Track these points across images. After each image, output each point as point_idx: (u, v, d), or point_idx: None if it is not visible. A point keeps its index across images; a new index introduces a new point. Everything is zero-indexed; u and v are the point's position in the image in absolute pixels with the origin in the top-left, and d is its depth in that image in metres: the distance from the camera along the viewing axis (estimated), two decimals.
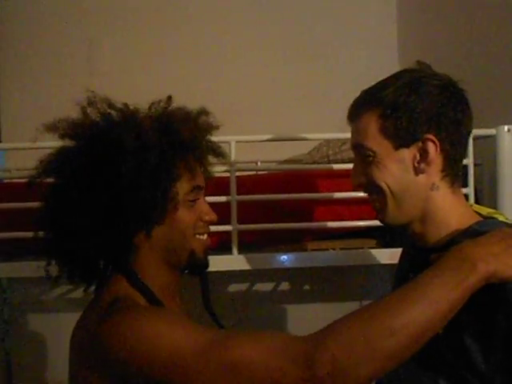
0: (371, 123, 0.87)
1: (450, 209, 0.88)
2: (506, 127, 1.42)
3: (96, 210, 0.85)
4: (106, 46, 2.47)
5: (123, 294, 0.86)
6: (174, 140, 0.88)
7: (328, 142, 1.90)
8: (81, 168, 0.86)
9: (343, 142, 1.82)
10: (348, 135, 1.68)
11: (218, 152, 1.00)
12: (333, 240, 1.58)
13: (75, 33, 2.45)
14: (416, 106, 0.84)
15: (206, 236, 0.95)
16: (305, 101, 2.43)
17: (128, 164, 0.83)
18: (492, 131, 1.43)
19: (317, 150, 1.97)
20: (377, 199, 0.90)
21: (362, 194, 1.45)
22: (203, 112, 0.96)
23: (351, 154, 1.82)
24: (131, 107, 0.93)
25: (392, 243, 1.49)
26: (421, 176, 0.86)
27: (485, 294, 0.76)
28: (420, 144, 0.85)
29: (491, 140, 1.44)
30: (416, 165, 0.86)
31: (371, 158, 0.87)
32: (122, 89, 2.31)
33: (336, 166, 1.57)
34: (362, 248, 1.55)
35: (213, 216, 0.94)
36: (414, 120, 0.84)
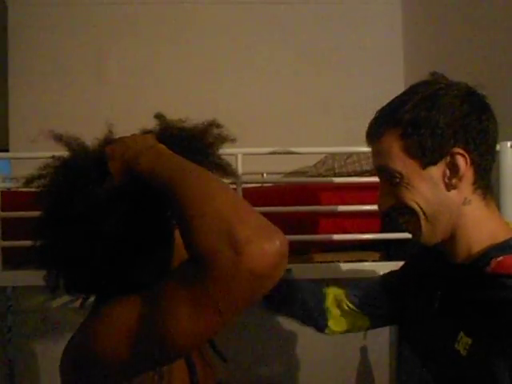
0: (393, 144, 0.83)
1: (483, 223, 0.84)
2: (508, 143, 1.42)
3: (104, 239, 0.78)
4: (113, 56, 2.50)
5: None
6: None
7: (334, 154, 1.91)
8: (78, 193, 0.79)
9: (349, 155, 1.84)
10: (353, 149, 1.70)
11: (229, 172, 0.93)
12: (337, 252, 1.58)
13: (84, 43, 2.49)
14: (438, 121, 0.80)
15: None
16: (310, 114, 2.45)
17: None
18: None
19: (322, 162, 1.98)
20: (409, 221, 0.86)
21: (366, 207, 1.48)
22: (213, 125, 0.91)
23: (356, 168, 1.85)
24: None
25: (396, 256, 1.49)
26: (453, 192, 0.82)
27: (509, 313, 0.74)
28: (448, 159, 0.81)
29: None
30: (447, 181, 0.82)
31: (398, 180, 0.84)
32: (130, 98, 2.36)
33: (341, 180, 1.58)
34: (365, 261, 1.55)
35: None
36: (439, 135, 0.80)
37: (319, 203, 1.55)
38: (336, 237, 1.51)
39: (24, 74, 2.45)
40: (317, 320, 1.15)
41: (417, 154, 0.82)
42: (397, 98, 0.87)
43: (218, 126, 0.91)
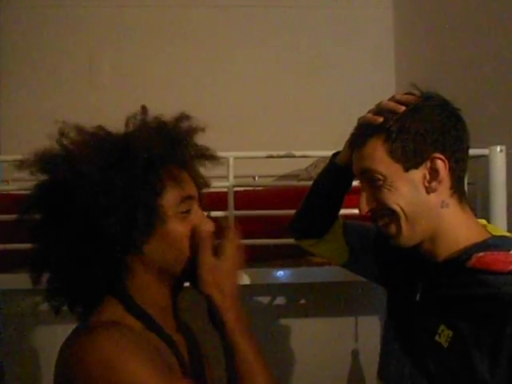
0: (378, 148, 0.88)
1: (460, 225, 0.89)
2: (498, 147, 1.44)
3: (78, 241, 0.81)
4: (106, 59, 2.50)
5: (113, 317, 0.83)
6: (143, 154, 0.82)
7: (325, 158, 1.91)
8: (55, 202, 0.83)
9: None
10: None
11: (209, 155, 0.94)
12: None
13: (76, 47, 2.48)
14: (420, 128, 0.86)
15: None
16: (302, 117, 2.46)
17: (96, 189, 0.80)
18: (485, 151, 1.45)
19: (314, 165, 1.99)
20: (389, 223, 0.90)
21: (357, 211, 1.48)
22: (182, 117, 0.91)
23: None
24: (103, 130, 0.88)
25: None
26: (432, 195, 0.87)
27: (493, 309, 0.77)
28: (429, 163, 0.87)
29: (484, 160, 1.46)
30: (427, 184, 0.87)
31: (381, 182, 0.88)
32: (122, 101, 2.35)
33: None
34: None
35: (209, 225, 0.90)
36: (420, 141, 0.86)
37: None
38: None
39: (15, 77, 2.44)
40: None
41: (400, 157, 0.87)
42: None
43: (188, 117, 0.92)
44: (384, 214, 0.90)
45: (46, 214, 0.85)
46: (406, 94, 0.92)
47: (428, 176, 0.87)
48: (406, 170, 0.87)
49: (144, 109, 0.91)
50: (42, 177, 0.87)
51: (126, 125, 0.91)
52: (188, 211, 0.87)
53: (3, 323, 2.15)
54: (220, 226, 0.93)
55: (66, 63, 2.46)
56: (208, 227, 0.89)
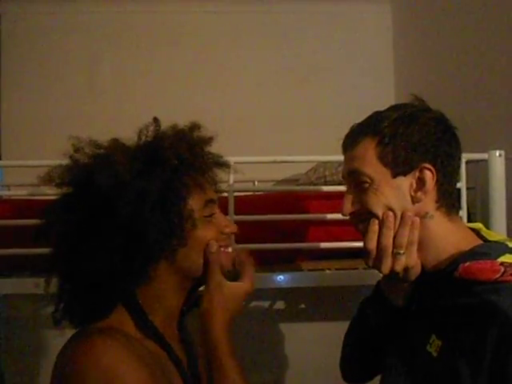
0: (369, 150, 0.88)
1: (446, 235, 0.88)
2: (497, 152, 1.44)
3: (112, 252, 0.81)
4: (106, 64, 2.51)
5: (116, 324, 0.84)
6: (174, 161, 0.86)
7: (325, 163, 1.92)
8: (87, 213, 0.83)
9: (340, 163, 1.85)
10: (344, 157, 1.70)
11: (222, 162, 0.98)
12: (328, 260, 1.59)
13: (76, 51, 2.49)
14: (413, 136, 0.86)
15: (230, 249, 0.94)
16: (302, 122, 2.47)
17: (132, 198, 0.81)
18: (484, 156, 1.46)
19: (314, 170, 2.00)
20: (367, 227, 0.89)
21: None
22: (195, 126, 0.95)
23: None
24: (118, 141, 0.90)
25: None
26: (417, 205, 0.87)
27: (475, 318, 0.77)
28: (417, 173, 0.86)
29: (483, 164, 1.47)
30: (413, 193, 0.87)
31: (367, 185, 0.88)
32: (122, 106, 2.37)
33: (332, 188, 1.59)
34: (356, 268, 1.56)
35: (233, 227, 0.93)
36: (412, 149, 0.86)
37: (310, 211, 1.56)
38: (326, 245, 1.52)
39: (16, 82, 2.45)
40: None
41: (390, 162, 0.87)
42: (378, 112, 0.93)
43: (200, 127, 0.95)
44: (366, 218, 0.90)
45: (77, 224, 0.84)
46: (404, 103, 0.92)
47: (415, 185, 0.87)
48: (394, 176, 0.87)
49: (156, 120, 0.93)
50: (67, 188, 0.88)
51: (139, 136, 0.92)
52: (212, 215, 0.91)
53: (3, 327, 2.15)
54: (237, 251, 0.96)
55: (67, 69, 2.47)
56: (232, 229, 0.93)
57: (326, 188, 1.63)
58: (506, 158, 1.45)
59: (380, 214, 0.87)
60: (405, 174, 0.87)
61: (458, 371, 0.77)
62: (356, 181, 0.90)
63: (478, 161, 1.51)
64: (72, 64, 2.48)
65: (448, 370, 0.79)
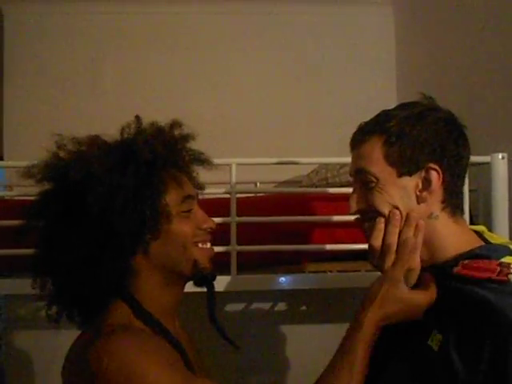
0: (376, 149, 0.88)
1: (450, 236, 0.89)
2: (500, 155, 1.44)
3: (88, 243, 0.84)
4: (108, 66, 2.51)
5: (123, 321, 0.85)
6: (148, 157, 0.87)
7: (327, 164, 1.92)
8: (63, 208, 0.86)
9: (342, 165, 1.85)
10: (346, 159, 1.71)
11: (203, 159, 0.99)
12: (330, 262, 1.59)
13: (79, 52, 2.50)
14: (420, 136, 0.86)
15: (209, 245, 0.95)
16: (304, 123, 2.47)
17: (104, 191, 0.83)
18: (487, 158, 1.45)
19: (316, 172, 2.00)
20: (372, 227, 0.90)
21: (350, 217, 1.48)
22: (176, 124, 0.96)
23: (349, 178, 1.85)
24: (98, 138, 0.92)
25: None
26: (422, 205, 0.87)
27: (475, 319, 0.78)
28: (423, 173, 0.87)
29: (486, 167, 1.47)
30: (418, 193, 0.87)
31: (373, 184, 0.88)
32: (124, 107, 2.36)
33: (334, 190, 1.59)
34: (358, 271, 1.56)
35: (211, 223, 0.94)
36: (419, 149, 0.86)
37: (312, 213, 1.56)
38: (329, 247, 1.52)
39: (19, 83, 2.46)
40: None
41: (396, 162, 0.87)
42: (386, 111, 0.93)
43: (180, 124, 0.96)
44: (372, 216, 0.90)
45: (54, 219, 0.87)
46: (413, 102, 0.92)
47: (420, 185, 0.87)
48: (400, 175, 0.87)
49: (138, 118, 0.95)
50: (47, 184, 0.90)
51: (122, 133, 0.94)
52: (189, 211, 0.92)
53: (4, 328, 2.15)
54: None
55: (69, 69, 2.47)
56: (210, 224, 0.94)
57: (327, 190, 1.63)
58: (509, 161, 1.45)
59: (386, 212, 0.88)
60: (410, 173, 0.87)
61: (454, 366, 0.78)
62: (362, 179, 0.91)
63: (480, 163, 1.50)
64: (74, 65, 2.48)
65: (446, 364, 0.80)
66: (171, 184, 0.90)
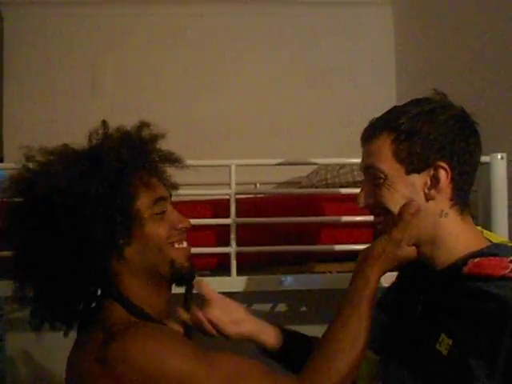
0: (385, 146, 0.88)
1: (459, 235, 0.89)
2: (499, 155, 1.44)
3: (64, 253, 0.84)
4: (108, 67, 2.52)
5: (120, 320, 0.86)
6: (115, 164, 0.87)
7: (326, 165, 1.92)
8: (35, 220, 0.86)
9: (341, 166, 1.85)
10: (346, 160, 1.71)
11: (174, 159, 0.98)
12: (330, 263, 1.59)
13: (79, 55, 2.50)
14: (430, 133, 0.86)
15: (185, 244, 0.95)
16: (303, 124, 2.47)
17: (70, 203, 0.83)
18: (486, 159, 1.45)
19: (315, 173, 2.00)
20: (384, 221, 0.91)
21: (359, 218, 1.49)
22: (143, 125, 0.96)
23: (349, 178, 1.86)
24: (66, 147, 0.92)
25: None
26: (430, 202, 0.87)
27: (487, 314, 0.78)
28: (432, 171, 0.87)
29: (485, 167, 1.47)
30: (426, 191, 0.87)
31: (382, 181, 0.89)
32: (124, 108, 2.37)
33: (334, 191, 1.59)
34: None
35: (186, 222, 0.94)
36: (428, 146, 0.86)
37: (312, 213, 1.56)
38: (329, 247, 1.52)
39: (19, 85, 2.46)
40: None
41: (404, 159, 0.87)
42: (397, 107, 0.92)
43: (148, 125, 0.96)
44: (380, 212, 0.91)
45: (28, 231, 0.87)
46: (425, 98, 0.92)
47: (429, 183, 0.87)
48: (408, 172, 0.87)
49: (105, 123, 0.95)
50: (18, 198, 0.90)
51: (89, 140, 0.94)
52: (163, 212, 0.92)
53: (5, 330, 2.15)
54: None
55: (69, 72, 2.48)
56: (185, 224, 0.94)
57: (327, 191, 1.63)
58: (508, 161, 1.45)
59: (393, 209, 0.88)
60: (419, 171, 0.87)
61: (470, 371, 0.77)
62: (371, 175, 0.91)
63: (480, 163, 1.50)
64: (74, 67, 2.49)
65: (459, 369, 0.79)
66: (141, 188, 0.89)
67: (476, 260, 0.84)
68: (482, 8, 1.78)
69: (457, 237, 0.89)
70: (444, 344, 0.83)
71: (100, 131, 0.94)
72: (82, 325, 0.92)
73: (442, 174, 0.86)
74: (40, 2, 2.48)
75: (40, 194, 0.85)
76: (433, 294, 0.90)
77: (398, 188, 0.88)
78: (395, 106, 0.93)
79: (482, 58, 1.78)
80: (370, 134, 0.92)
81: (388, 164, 0.88)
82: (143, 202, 0.89)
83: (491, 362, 0.76)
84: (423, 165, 0.87)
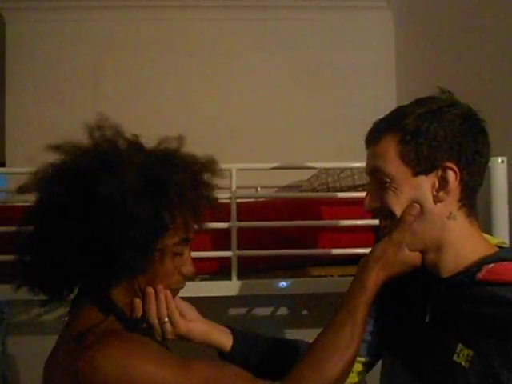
0: (391, 148, 0.85)
1: (467, 238, 0.86)
2: (499, 158, 1.44)
3: (82, 244, 0.81)
4: (109, 72, 2.52)
5: (92, 322, 0.83)
6: (174, 194, 0.84)
7: (327, 169, 1.93)
8: (75, 195, 0.81)
9: (342, 169, 1.85)
10: (346, 164, 1.71)
11: (211, 200, 0.93)
12: (331, 266, 1.59)
13: (81, 59, 2.51)
14: (437, 134, 0.83)
15: (175, 298, 0.93)
16: (304, 129, 2.48)
17: (119, 211, 0.79)
18: None
19: (316, 176, 2.00)
20: (390, 225, 0.88)
21: (359, 222, 1.49)
22: (208, 167, 0.92)
23: (350, 182, 1.86)
24: (138, 142, 0.89)
25: None
26: (438, 205, 0.84)
27: (503, 324, 0.75)
28: (440, 172, 0.84)
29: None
30: (435, 193, 0.84)
31: (388, 184, 0.86)
32: (126, 113, 2.37)
33: (335, 194, 1.60)
34: None
35: (191, 270, 0.91)
36: (435, 147, 0.83)
37: (313, 217, 1.56)
38: (329, 251, 1.52)
39: (21, 89, 2.47)
40: None
41: (411, 161, 0.84)
42: (402, 107, 0.90)
43: (215, 164, 0.93)
44: (386, 215, 0.88)
45: (55, 198, 0.83)
46: (430, 97, 0.89)
47: (437, 185, 0.84)
48: (415, 174, 0.84)
49: (181, 139, 0.91)
50: (58, 186, 0.85)
51: (159, 144, 0.91)
52: (181, 254, 0.90)
53: (6, 333, 2.15)
54: None
55: (71, 75, 2.48)
56: (191, 271, 0.91)
57: (328, 195, 1.64)
58: (509, 165, 1.45)
59: (398, 212, 0.86)
60: (427, 173, 0.84)
61: (498, 379, 0.75)
62: (377, 178, 0.88)
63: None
64: (76, 71, 2.49)
65: (485, 380, 0.76)
66: (179, 224, 0.86)
67: (491, 266, 0.80)
68: (483, 11, 1.79)
69: (464, 240, 0.86)
70: (463, 355, 0.80)
71: (173, 143, 0.90)
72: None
73: (451, 175, 0.83)
74: (42, 7, 2.49)
75: (102, 193, 0.79)
76: (442, 302, 0.87)
77: (404, 190, 0.85)
78: (400, 106, 0.90)
79: (482, 62, 1.78)
80: (375, 135, 0.89)
81: (394, 166, 0.85)
82: (172, 238, 0.87)
83: None
84: (430, 166, 0.83)
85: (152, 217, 0.81)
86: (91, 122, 0.88)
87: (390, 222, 0.88)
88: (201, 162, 0.92)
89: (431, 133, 0.83)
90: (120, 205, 0.80)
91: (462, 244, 0.86)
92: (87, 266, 0.82)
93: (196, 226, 0.91)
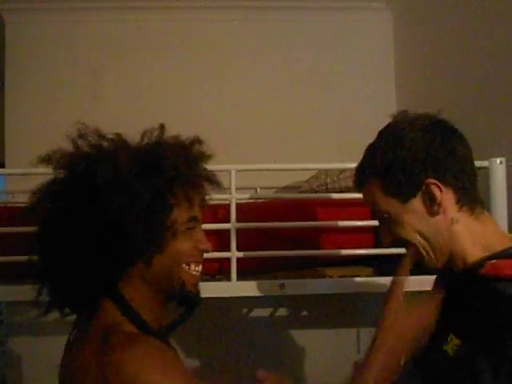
0: (374, 188, 0.91)
1: (475, 237, 0.89)
2: (498, 159, 1.44)
3: (92, 242, 0.84)
4: (109, 74, 2.52)
5: (112, 322, 0.86)
6: (171, 174, 0.88)
7: (326, 170, 1.93)
8: (75, 201, 0.86)
9: (341, 170, 1.85)
10: (345, 165, 1.72)
11: (213, 180, 1.00)
12: (330, 267, 1.59)
13: (80, 61, 2.51)
14: (406, 158, 0.87)
15: (200, 267, 0.95)
16: (303, 129, 2.48)
17: (125, 198, 0.84)
18: (485, 163, 1.46)
19: (315, 177, 2.00)
20: (414, 251, 0.91)
21: (359, 223, 1.50)
22: (197, 141, 0.97)
23: (349, 183, 1.87)
24: (122, 138, 0.93)
25: (388, 271, 1.50)
26: (438, 217, 0.88)
27: (503, 317, 0.77)
28: (424, 189, 0.87)
29: (484, 172, 1.47)
30: (429, 209, 0.88)
31: (388, 219, 0.91)
32: (125, 115, 2.38)
33: (334, 195, 1.60)
34: (358, 276, 1.56)
35: (208, 245, 0.95)
36: (410, 170, 0.87)
37: (312, 218, 1.56)
38: (329, 252, 1.52)
39: (20, 91, 2.47)
40: None
41: (396, 192, 0.89)
42: (371, 145, 0.94)
43: (201, 142, 0.97)
44: (404, 244, 0.92)
45: (67, 209, 0.86)
46: (388, 125, 0.93)
47: (427, 202, 0.88)
48: (405, 202, 0.88)
49: (162, 127, 0.96)
50: (62, 172, 0.90)
51: (142, 138, 0.94)
52: (193, 229, 0.93)
53: (5, 334, 2.15)
54: None
55: (71, 78, 2.48)
56: (207, 246, 0.95)
57: (327, 195, 1.64)
58: (507, 166, 1.46)
59: (413, 239, 0.89)
60: (414, 195, 0.88)
61: (477, 369, 0.77)
62: (378, 213, 0.94)
63: (478, 168, 1.49)
64: (75, 73, 2.49)
65: (467, 369, 0.79)
66: (183, 202, 0.91)
67: (493, 261, 0.83)
68: (482, 13, 1.79)
69: (472, 239, 0.88)
70: (451, 344, 0.83)
71: (155, 132, 0.95)
72: (78, 322, 0.92)
73: (434, 189, 0.86)
74: (42, 9, 2.49)
75: (102, 178, 0.84)
76: (449, 296, 0.89)
77: (405, 219, 0.89)
78: (369, 145, 0.94)
79: (481, 63, 1.79)
80: (359, 182, 0.96)
81: (385, 203, 0.90)
82: (181, 215, 0.90)
83: (498, 362, 0.76)
84: (414, 189, 0.88)
85: (153, 195, 0.85)
86: (71, 133, 0.91)
87: (411, 248, 0.91)
88: (188, 139, 0.96)
89: (399, 161, 0.87)
90: (120, 189, 0.84)
91: (470, 242, 0.88)
92: (104, 258, 0.85)
93: (198, 201, 0.95)
